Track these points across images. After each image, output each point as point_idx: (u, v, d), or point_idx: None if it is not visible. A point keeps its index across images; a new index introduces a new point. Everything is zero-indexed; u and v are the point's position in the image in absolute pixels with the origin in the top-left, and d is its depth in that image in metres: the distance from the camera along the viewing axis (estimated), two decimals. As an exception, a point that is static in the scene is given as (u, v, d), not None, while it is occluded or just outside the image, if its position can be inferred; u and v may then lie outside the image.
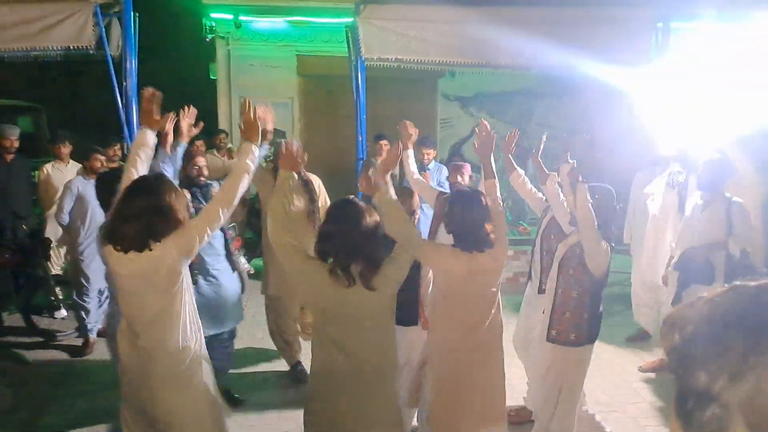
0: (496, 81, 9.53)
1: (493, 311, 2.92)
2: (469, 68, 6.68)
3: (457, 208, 2.87)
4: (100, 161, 5.30)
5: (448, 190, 4.21)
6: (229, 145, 8.18)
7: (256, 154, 2.73)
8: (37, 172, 6.38)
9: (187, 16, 9.93)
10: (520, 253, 6.57)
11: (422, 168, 5.84)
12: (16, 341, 5.33)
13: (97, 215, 4.70)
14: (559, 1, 6.45)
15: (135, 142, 2.96)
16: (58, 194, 5.40)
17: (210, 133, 7.90)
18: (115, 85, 5.58)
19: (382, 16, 6.17)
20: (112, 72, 5.56)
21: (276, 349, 4.78)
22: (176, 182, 3.05)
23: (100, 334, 5.14)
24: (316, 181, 4.55)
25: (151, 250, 2.40)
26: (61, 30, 5.45)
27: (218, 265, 3.87)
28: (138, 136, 2.96)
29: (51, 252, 5.94)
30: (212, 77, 9.96)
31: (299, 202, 3.87)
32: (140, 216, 2.39)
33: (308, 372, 4.41)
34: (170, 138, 3.23)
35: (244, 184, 2.63)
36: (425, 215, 4.89)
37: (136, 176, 2.71)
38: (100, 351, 4.96)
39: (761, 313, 0.69)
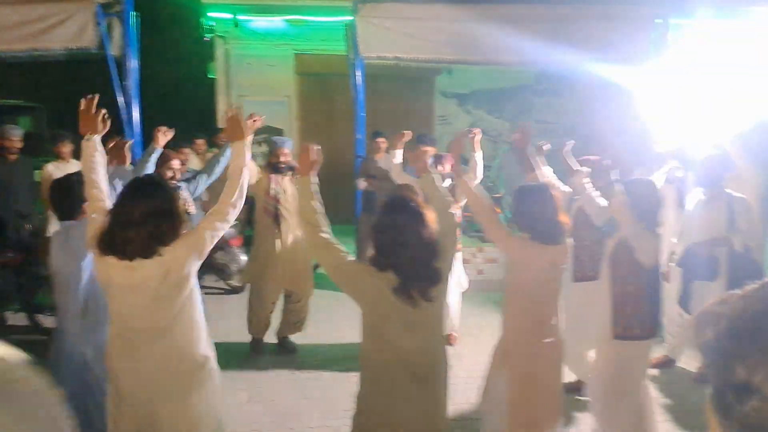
0: (494, 78, 9.56)
1: (558, 304, 2.98)
2: (467, 65, 6.69)
3: (529, 203, 2.90)
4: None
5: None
6: (229, 145, 8.15)
7: (247, 148, 2.69)
8: (39, 172, 6.39)
9: (185, 15, 9.96)
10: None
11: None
12: (19, 339, 5.35)
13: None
14: (557, -2, 6.48)
15: (86, 151, 2.71)
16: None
17: (209, 132, 7.93)
18: (117, 84, 5.59)
19: (380, 14, 6.20)
20: (114, 71, 5.57)
21: (274, 347, 5.03)
22: None
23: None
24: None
25: (161, 255, 2.33)
26: (62, 30, 5.47)
27: None
28: (87, 145, 2.73)
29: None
30: (211, 76, 9.98)
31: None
32: (145, 220, 2.30)
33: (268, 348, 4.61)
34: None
35: (246, 179, 2.60)
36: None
37: (100, 183, 2.64)
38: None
39: None
